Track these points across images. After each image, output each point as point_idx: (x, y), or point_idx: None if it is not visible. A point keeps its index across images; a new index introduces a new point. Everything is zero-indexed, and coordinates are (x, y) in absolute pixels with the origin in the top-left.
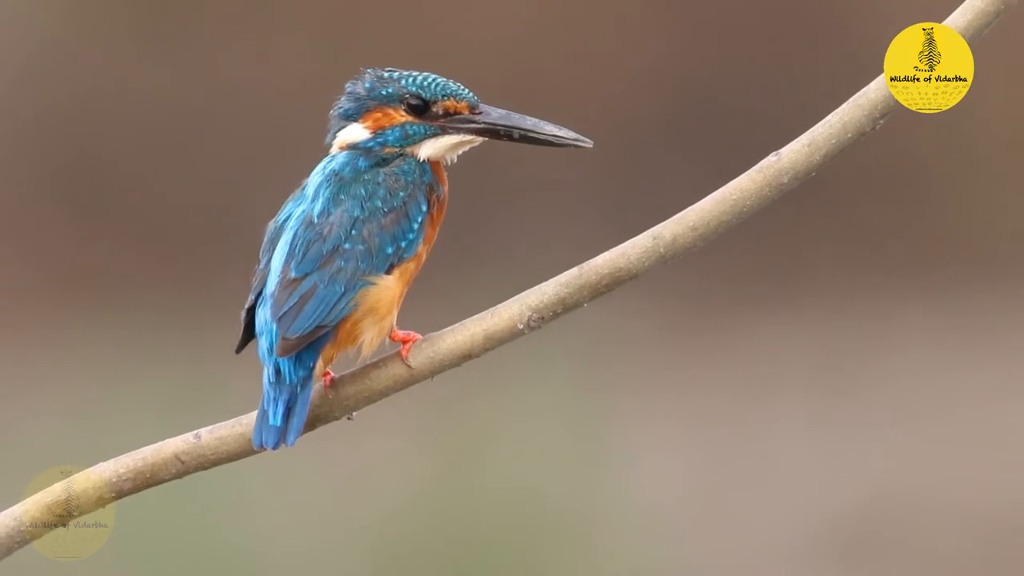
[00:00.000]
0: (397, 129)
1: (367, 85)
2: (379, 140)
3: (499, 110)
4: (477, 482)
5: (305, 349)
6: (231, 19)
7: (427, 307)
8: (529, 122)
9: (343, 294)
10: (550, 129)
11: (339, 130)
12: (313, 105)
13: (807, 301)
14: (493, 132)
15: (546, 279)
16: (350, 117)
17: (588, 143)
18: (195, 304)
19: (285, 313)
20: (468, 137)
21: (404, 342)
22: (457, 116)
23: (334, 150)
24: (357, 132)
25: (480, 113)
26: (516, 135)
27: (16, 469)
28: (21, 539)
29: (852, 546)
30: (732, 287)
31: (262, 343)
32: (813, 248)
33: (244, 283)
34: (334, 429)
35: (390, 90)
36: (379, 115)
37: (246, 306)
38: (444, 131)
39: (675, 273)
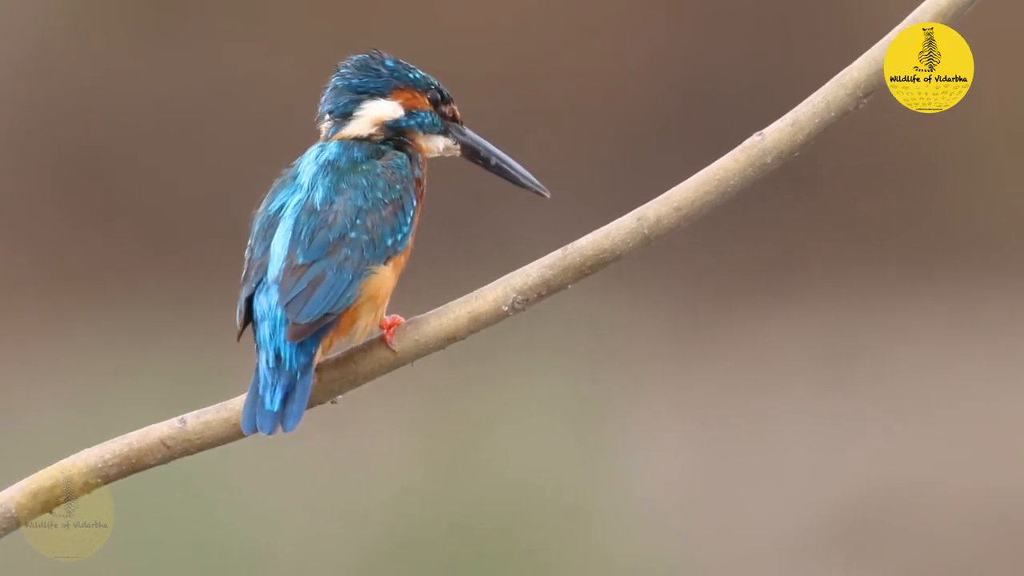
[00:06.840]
0: (428, 114)
1: (389, 64)
2: (414, 121)
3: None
4: (474, 474)
5: (309, 336)
6: (231, 10)
7: (411, 290)
8: (504, 154)
9: (350, 282)
10: (520, 168)
11: (355, 103)
12: (313, 96)
13: (807, 294)
14: (475, 150)
15: (532, 262)
16: (371, 91)
17: (546, 193)
18: (194, 296)
19: (294, 299)
20: (457, 145)
21: (388, 327)
22: (455, 122)
23: (357, 126)
24: (390, 109)
25: (466, 128)
26: (493, 161)
27: (13, 461)
28: (8, 526)
29: (851, 538)
30: (731, 280)
31: (263, 328)
32: (813, 241)
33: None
34: (331, 418)
35: (418, 76)
36: (409, 95)
37: (244, 295)
38: (447, 132)
39: (674, 266)
